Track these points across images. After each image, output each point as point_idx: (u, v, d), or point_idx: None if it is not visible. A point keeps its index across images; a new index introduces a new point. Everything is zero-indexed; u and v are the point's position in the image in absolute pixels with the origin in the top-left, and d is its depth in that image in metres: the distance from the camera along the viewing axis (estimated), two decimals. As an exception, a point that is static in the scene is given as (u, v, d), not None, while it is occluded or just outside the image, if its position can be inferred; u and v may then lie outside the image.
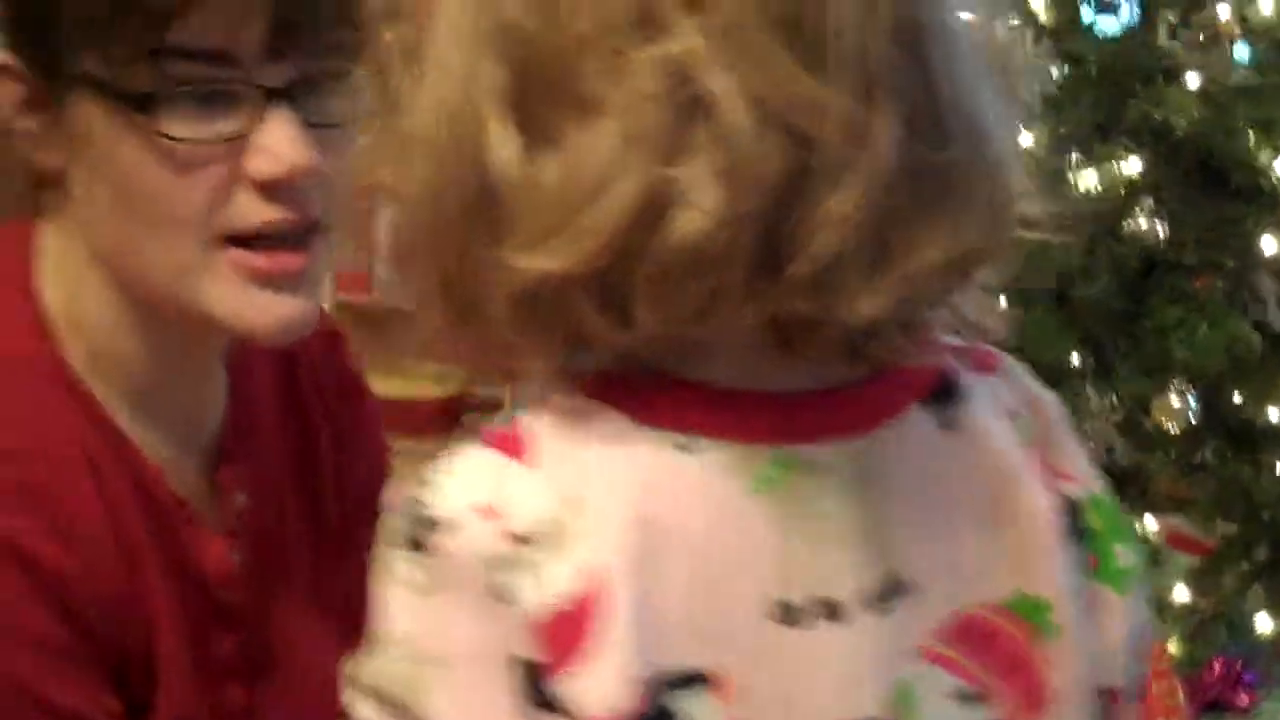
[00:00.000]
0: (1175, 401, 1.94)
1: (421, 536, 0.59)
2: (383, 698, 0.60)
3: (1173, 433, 1.96)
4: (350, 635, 0.99)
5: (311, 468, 0.99)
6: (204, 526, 0.91)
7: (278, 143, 0.82)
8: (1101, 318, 1.96)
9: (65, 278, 0.88)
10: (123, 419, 0.88)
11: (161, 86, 0.81)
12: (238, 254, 0.84)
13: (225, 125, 0.82)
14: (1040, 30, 2.08)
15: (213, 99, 0.82)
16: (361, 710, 0.61)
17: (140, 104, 0.81)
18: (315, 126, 0.83)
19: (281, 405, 0.99)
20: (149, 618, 0.86)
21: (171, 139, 0.81)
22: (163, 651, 0.86)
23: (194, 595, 0.89)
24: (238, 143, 0.82)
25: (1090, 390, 1.94)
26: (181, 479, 0.90)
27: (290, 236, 0.84)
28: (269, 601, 0.94)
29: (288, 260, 0.84)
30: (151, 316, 0.88)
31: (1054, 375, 1.95)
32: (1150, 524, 2.07)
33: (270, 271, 0.84)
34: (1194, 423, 1.97)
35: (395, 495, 0.64)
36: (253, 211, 0.83)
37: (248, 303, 0.84)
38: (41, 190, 0.89)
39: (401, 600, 0.60)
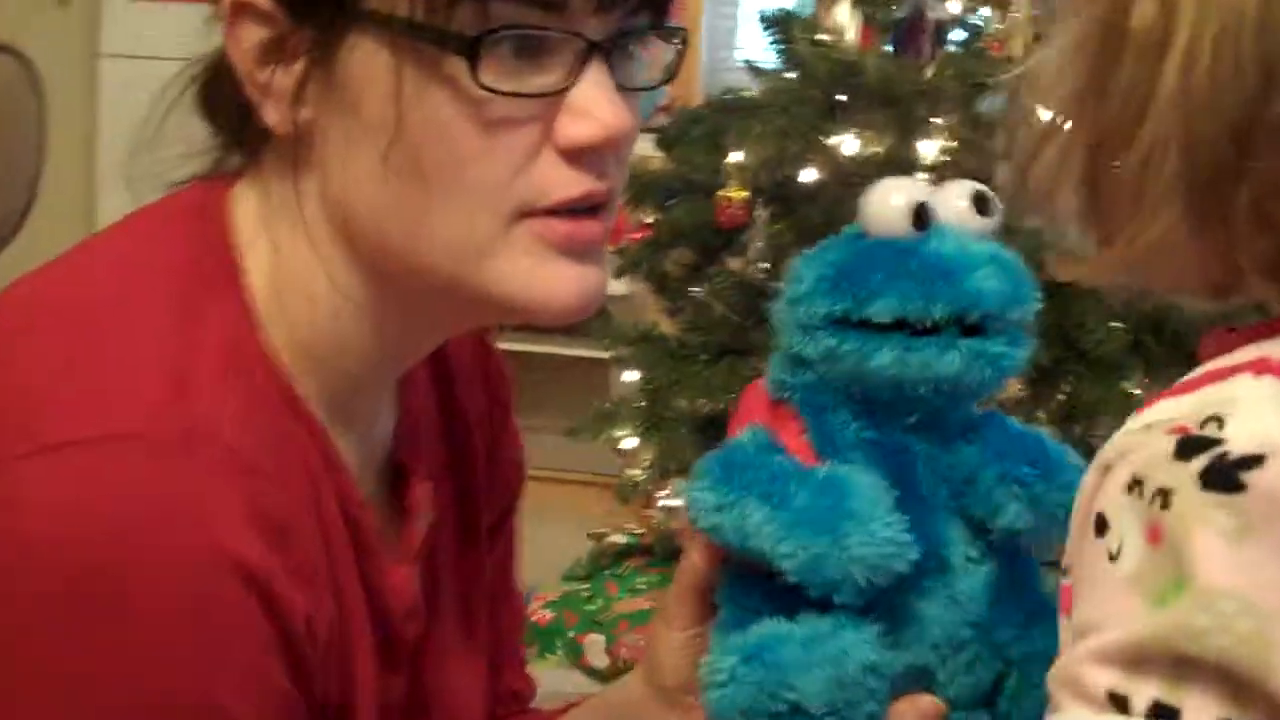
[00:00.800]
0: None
1: (1228, 475, 0.54)
2: (1207, 666, 0.53)
3: None
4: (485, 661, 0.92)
5: (469, 486, 0.93)
6: (384, 553, 0.82)
7: (597, 104, 0.72)
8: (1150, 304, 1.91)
9: (276, 256, 0.77)
10: (327, 426, 0.78)
11: (485, 29, 0.70)
12: (540, 222, 0.74)
13: (538, 80, 0.72)
14: None
15: (526, 50, 0.72)
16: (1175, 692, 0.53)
17: (462, 48, 0.70)
18: (621, 89, 0.74)
19: (440, 417, 0.92)
20: (352, 666, 0.77)
21: (493, 91, 0.71)
22: (359, 702, 0.78)
23: (383, 633, 0.81)
24: (550, 101, 0.73)
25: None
26: (367, 494, 0.81)
27: (588, 205, 0.75)
28: (431, 635, 0.87)
29: (591, 228, 0.76)
30: (392, 301, 0.78)
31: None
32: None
33: (576, 239, 0.75)
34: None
35: (1139, 437, 0.59)
36: (562, 181, 0.74)
37: (548, 274, 0.74)
38: (238, 150, 0.80)
39: (1217, 551, 0.53)
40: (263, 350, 0.75)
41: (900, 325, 0.76)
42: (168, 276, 0.74)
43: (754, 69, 2.25)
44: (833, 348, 0.77)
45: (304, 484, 0.74)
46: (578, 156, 0.74)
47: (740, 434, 0.80)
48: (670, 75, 0.80)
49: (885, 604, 0.76)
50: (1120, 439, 0.60)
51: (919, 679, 0.78)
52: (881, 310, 0.76)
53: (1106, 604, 0.57)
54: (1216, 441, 0.55)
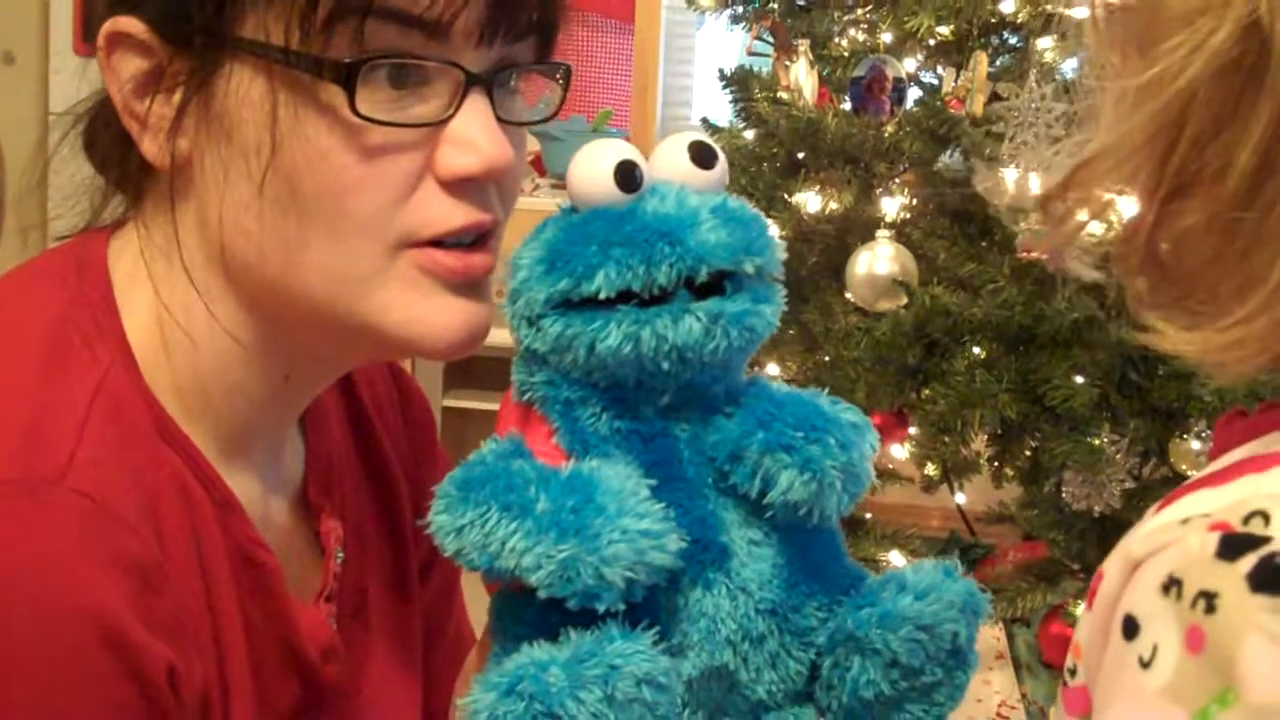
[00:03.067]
0: (1195, 445, 1.86)
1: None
2: None
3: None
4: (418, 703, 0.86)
5: (395, 515, 0.91)
6: (293, 592, 0.79)
7: (476, 135, 0.71)
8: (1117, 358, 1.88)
9: (155, 296, 0.75)
10: (219, 467, 0.76)
11: (361, 57, 0.69)
12: (425, 254, 0.72)
13: (417, 109, 0.71)
14: None
15: (404, 79, 0.71)
16: None
17: (337, 76, 0.69)
18: (502, 122, 0.73)
19: (357, 451, 0.90)
20: (231, 709, 0.73)
21: (371, 120, 0.69)
22: None
23: (289, 677, 0.77)
24: (431, 131, 0.71)
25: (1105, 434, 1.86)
26: (271, 535, 0.79)
27: (471, 237, 0.74)
28: (359, 674, 0.83)
29: (477, 261, 0.74)
30: (277, 336, 0.76)
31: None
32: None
33: (459, 273, 0.73)
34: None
35: (1170, 532, 0.53)
36: (441, 213, 0.72)
37: (431, 308, 0.73)
38: (121, 192, 0.78)
39: (1270, 660, 0.48)
40: (140, 393, 0.73)
41: (628, 297, 0.69)
42: (33, 335, 0.72)
43: (711, 127, 2.26)
44: (560, 334, 0.70)
45: (181, 527, 0.71)
46: (460, 187, 0.72)
47: (482, 447, 0.72)
48: (553, 112, 0.79)
49: (663, 605, 0.70)
50: (1150, 533, 0.54)
51: (720, 681, 0.71)
52: (602, 283, 0.69)
53: (1138, 715, 0.52)
54: (1264, 540, 0.50)
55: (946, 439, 1.92)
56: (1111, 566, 0.56)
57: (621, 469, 0.69)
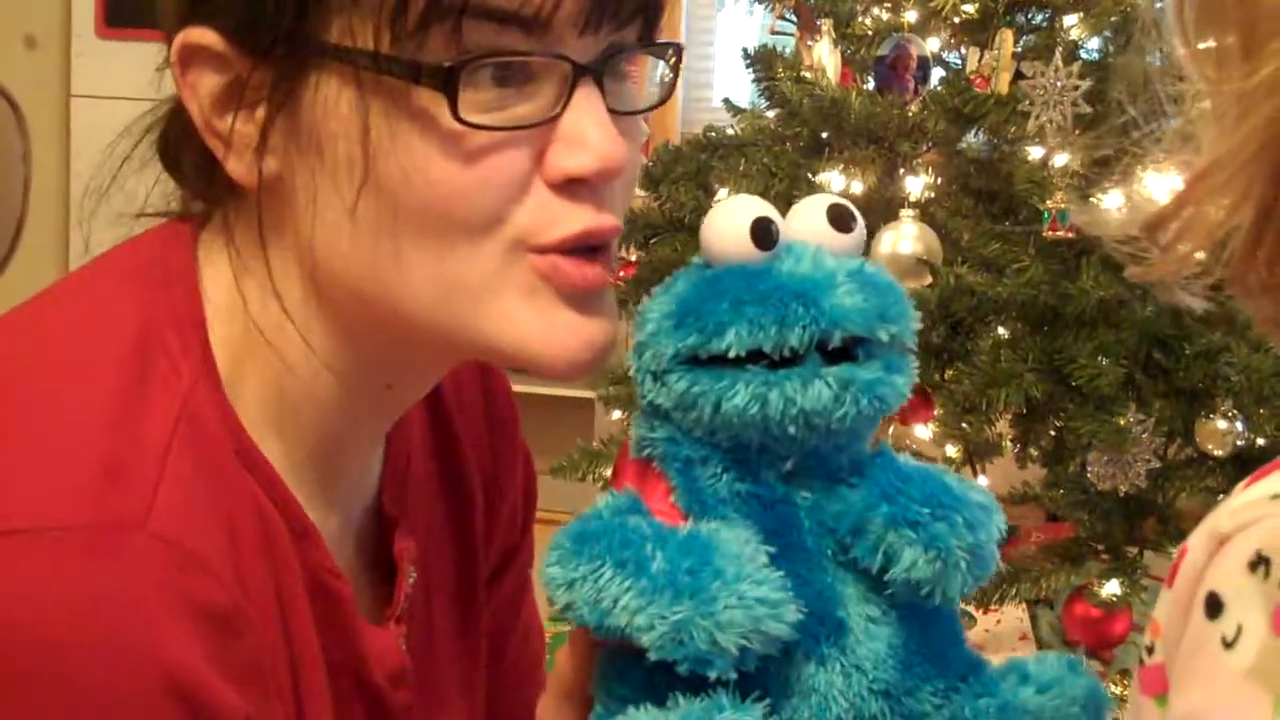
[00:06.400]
0: (1222, 425, 1.84)
1: None
2: None
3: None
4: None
5: (466, 526, 0.87)
6: (364, 618, 0.75)
7: (589, 131, 0.66)
8: (1143, 338, 1.87)
9: (245, 316, 0.71)
10: (298, 493, 0.72)
11: (461, 59, 0.64)
12: (547, 260, 0.67)
13: (522, 109, 0.66)
14: None
15: (507, 77, 0.66)
16: None
17: (436, 82, 0.64)
18: (615, 114, 0.68)
19: (435, 456, 0.85)
20: None
21: (473, 126, 0.64)
22: None
23: (355, 703, 0.74)
24: (539, 131, 0.66)
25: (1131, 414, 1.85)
26: (343, 551, 0.76)
27: (588, 246, 0.68)
28: (423, 695, 0.80)
29: (595, 273, 0.68)
30: (374, 360, 0.72)
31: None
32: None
33: (579, 286, 0.68)
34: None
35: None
36: (559, 216, 0.67)
37: (552, 324, 0.68)
38: (206, 200, 0.73)
39: None
40: (221, 413, 0.69)
41: (757, 357, 0.68)
42: (117, 349, 0.68)
43: (733, 108, 2.25)
44: (685, 391, 0.68)
45: (259, 559, 0.68)
46: (572, 189, 0.67)
47: (598, 501, 0.71)
48: (666, 95, 0.74)
49: (774, 677, 0.67)
50: (1239, 508, 0.52)
51: (827, 761, 0.68)
52: (732, 342, 0.67)
53: (1220, 698, 0.50)
54: None
55: (970, 420, 1.91)
56: (1196, 541, 0.53)
57: (740, 533, 0.67)
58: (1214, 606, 0.51)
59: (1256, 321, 0.58)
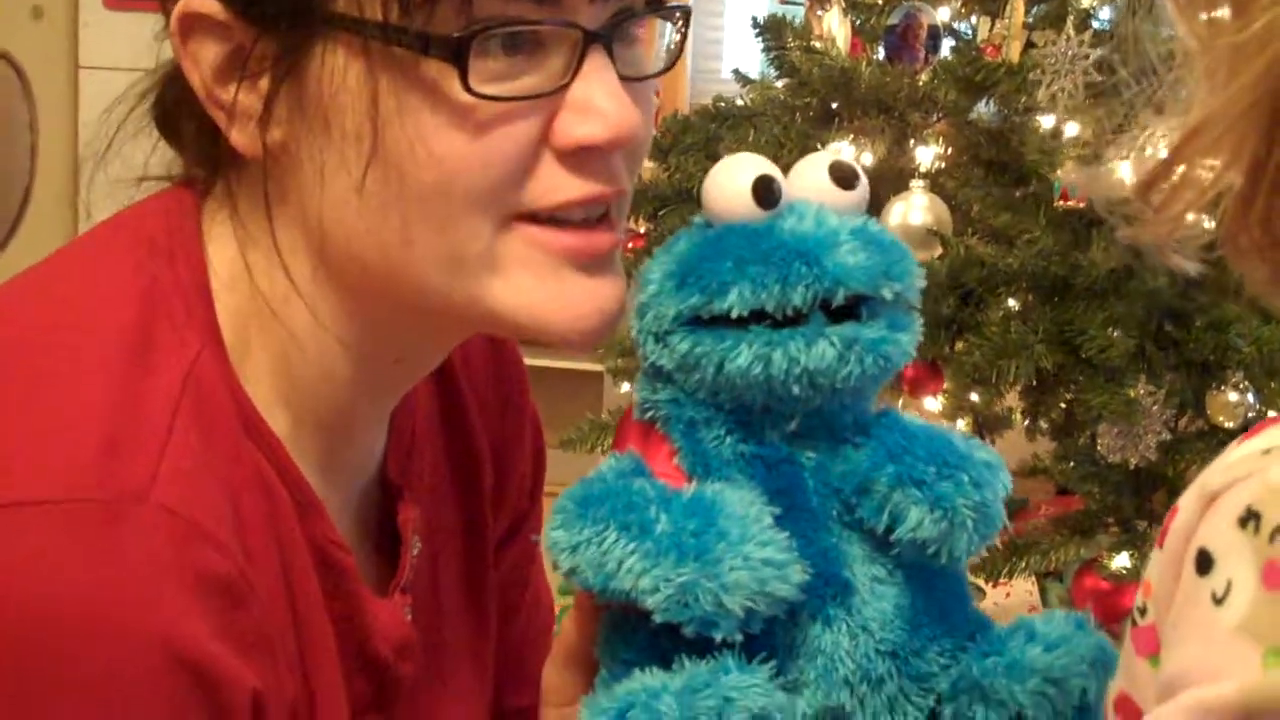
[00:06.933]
0: (1233, 397, 1.83)
1: None
2: None
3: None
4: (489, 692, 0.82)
5: (474, 496, 0.86)
6: (369, 589, 0.75)
7: (599, 100, 0.65)
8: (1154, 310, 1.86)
9: (252, 287, 0.70)
10: (303, 464, 0.71)
11: (472, 29, 0.63)
12: (544, 232, 0.67)
13: (531, 78, 0.66)
14: None
15: (516, 46, 0.65)
16: None
17: (446, 52, 0.63)
18: (625, 80, 0.67)
19: (442, 426, 0.85)
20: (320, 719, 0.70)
21: (484, 97, 0.63)
22: None
23: (359, 675, 0.74)
24: (548, 100, 0.66)
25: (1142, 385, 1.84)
26: (346, 519, 0.75)
27: (596, 210, 0.68)
28: (430, 666, 0.80)
29: (600, 238, 0.68)
30: (382, 332, 0.71)
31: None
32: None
33: (584, 251, 0.67)
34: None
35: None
36: (561, 185, 0.66)
37: (555, 292, 0.67)
38: (209, 169, 0.72)
39: None
40: (226, 382, 0.68)
41: (760, 317, 0.67)
42: (121, 317, 0.67)
43: (743, 78, 2.23)
44: (688, 352, 0.68)
45: (264, 530, 0.67)
46: (581, 158, 0.66)
47: (601, 464, 0.70)
48: (674, 59, 0.73)
49: (780, 639, 0.67)
50: (1230, 465, 0.51)
51: (835, 723, 0.68)
52: (735, 301, 0.67)
53: (1210, 654, 0.49)
54: None
55: (980, 392, 1.91)
56: (1187, 500, 0.53)
57: (745, 494, 0.67)
58: (1204, 563, 0.50)
59: (1249, 284, 0.57)
